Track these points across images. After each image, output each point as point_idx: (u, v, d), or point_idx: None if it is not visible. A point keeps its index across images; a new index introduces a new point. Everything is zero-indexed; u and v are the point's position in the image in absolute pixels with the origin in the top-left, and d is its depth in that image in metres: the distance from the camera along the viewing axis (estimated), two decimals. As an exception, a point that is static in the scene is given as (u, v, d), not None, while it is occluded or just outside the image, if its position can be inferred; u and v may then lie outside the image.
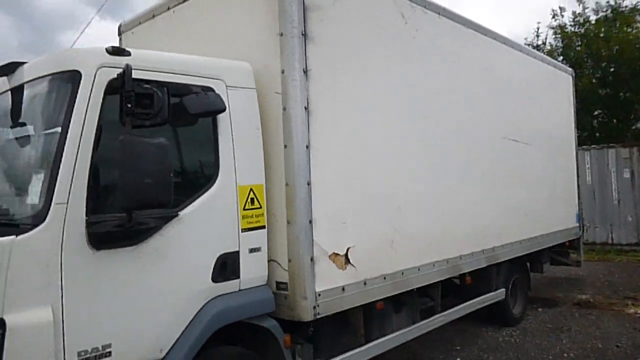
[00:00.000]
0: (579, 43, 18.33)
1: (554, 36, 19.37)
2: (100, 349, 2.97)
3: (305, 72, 3.95)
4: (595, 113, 18.27)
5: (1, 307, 2.77)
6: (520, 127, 7.06)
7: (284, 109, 3.90)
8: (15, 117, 3.49)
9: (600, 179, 14.10)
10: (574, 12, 18.91)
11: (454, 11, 5.86)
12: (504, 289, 6.74)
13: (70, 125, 2.95)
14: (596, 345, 6.20)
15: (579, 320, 7.29)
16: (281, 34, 3.91)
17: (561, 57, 18.26)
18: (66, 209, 2.86)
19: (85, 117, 2.99)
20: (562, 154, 8.54)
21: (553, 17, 19.31)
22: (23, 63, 3.61)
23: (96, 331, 2.96)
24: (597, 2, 18.68)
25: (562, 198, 8.38)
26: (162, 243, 3.24)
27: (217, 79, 3.67)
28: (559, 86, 8.61)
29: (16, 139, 3.51)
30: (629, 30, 17.23)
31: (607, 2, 18.32)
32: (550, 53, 18.88)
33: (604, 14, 18.32)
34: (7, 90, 3.58)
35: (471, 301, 6.09)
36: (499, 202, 6.40)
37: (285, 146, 3.89)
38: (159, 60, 3.42)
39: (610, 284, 9.67)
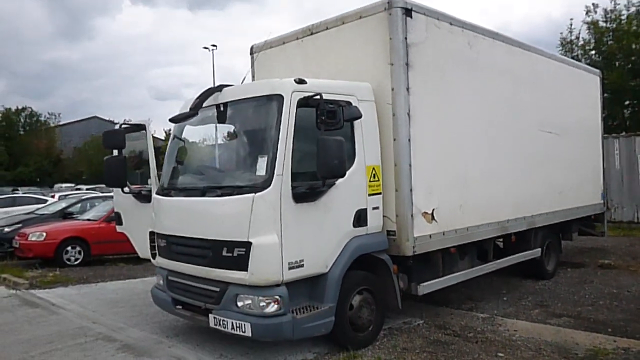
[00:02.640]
0: (611, 38, 19.60)
1: (587, 31, 20.67)
2: (298, 261, 5.00)
3: (408, 89, 5.88)
4: (626, 103, 19.58)
5: (248, 233, 4.83)
6: (554, 121, 8.82)
7: (394, 114, 5.84)
8: (231, 121, 5.53)
9: (628, 164, 15.59)
10: (605, 9, 20.15)
11: (505, 34, 7.68)
12: (540, 249, 8.58)
13: (281, 128, 4.95)
14: (612, 291, 8.00)
15: (600, 277, 9.08)
16: (392, 64, 5.84)
17: (593, 51, 19.62)
18: (282, 178, 4.88)
19: (288, 122, 4.99)
20: (590, 142, 10.26)
21: (586, 13, 20.62)
22: (228, 85, 5.65)
23: (297, 250, 4.98)
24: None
25: (589, 179, 10.13)
26: (327, 200, 5.23)
27: (352, 95, 5.61)
28: (587, 85, 10.28)
29: (236, 137, 5.55)
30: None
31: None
32: (583, 47, 20.24)
33: (635, 8, 19.51)
34: (219, 104, 5.55)
35: (515, 255, 7.99)
36: (536, 181, 8.23)
37: (394, 139, 5.84)
38: (322, 85, 5.35)
39: (631, 253, 11.35)
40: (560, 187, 8.91)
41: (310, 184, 5.06)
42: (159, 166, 6.50)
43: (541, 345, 5.65)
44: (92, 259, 11.91)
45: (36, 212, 14.60)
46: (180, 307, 5.79)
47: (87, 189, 26.67)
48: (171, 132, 6.43)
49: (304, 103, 5.07)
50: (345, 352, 5.40)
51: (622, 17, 19.56)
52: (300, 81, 5.18)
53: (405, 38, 5.88)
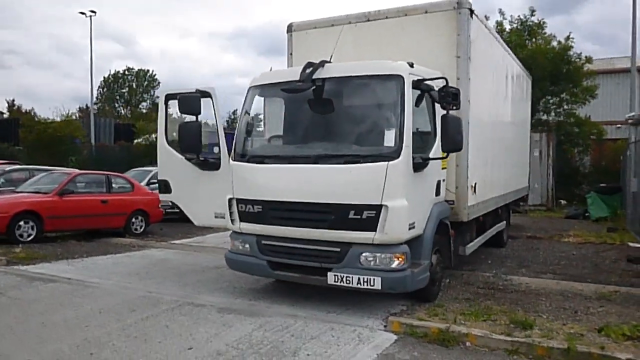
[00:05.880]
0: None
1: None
2: (413, 223, 5.73)
3: (469, 79, 6.88)
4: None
5: (382, 197, 5.43)
6: (515, 114, 10.59)
7: (459, 100, 6.80)
8: (341, 95, 5.98)
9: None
10: (497, 21, 23.22)
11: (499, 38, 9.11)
12: (505, 221, 10.31)
13: (405, 105, 5.61)
14: (560, 254, 9.98)
15: (540, 244, 11.14)
16: (458, 57, 6.79)
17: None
18: (408, 150, 5.55)
19: (409, 101, 5.66)
20: (526, 134, 12.38)
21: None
22: (328, 61, 6.09)
23: (412, 213, 5.71)
24: (511, 15, 23.23)
25: (525, 164, 12.25)
26: (426, 171, 6.01)
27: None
28: (526, 85, 12.35)
29: (347, 110, 6.02)
30: (535, 41, 21.92)
31: (518, 16, 23.00)
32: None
33: (515, 25, 22.88)
34: (325, 78, 5.94)
35: (498, 224, 9.58)
36: (510, 164, 9.91)
37: (458, 121, 6.81)
38: (422, 71, 6.08)
39: (541, 228, 13.88)
40: (516, 171, 10.75)
41: (421, 156, 5.79)
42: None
43: (558, 293, 7.08)
44: (44, 236, 10.89)
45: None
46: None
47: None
48: (247, 99, 6.55)
49: (415, 85, 5.78)
50: (428, 303, 6.26)
51: (507, 31, 22.79)
52: (411, 65, 5.87)
53: (469, 35, 6.86)
